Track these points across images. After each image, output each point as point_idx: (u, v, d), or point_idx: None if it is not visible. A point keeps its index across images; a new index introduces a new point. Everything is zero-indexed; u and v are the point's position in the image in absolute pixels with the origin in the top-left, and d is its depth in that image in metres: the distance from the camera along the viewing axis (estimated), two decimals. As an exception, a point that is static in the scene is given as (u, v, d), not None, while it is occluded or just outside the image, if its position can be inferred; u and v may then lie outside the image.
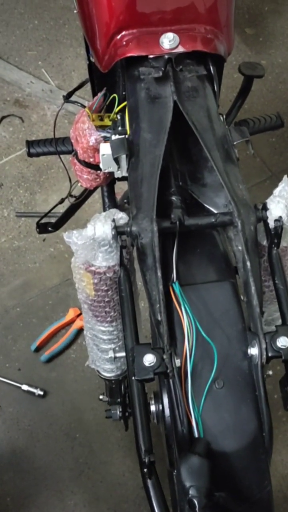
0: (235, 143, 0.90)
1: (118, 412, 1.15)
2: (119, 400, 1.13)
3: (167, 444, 0.82)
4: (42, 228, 1.46)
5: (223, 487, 0.73)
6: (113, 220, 0.81)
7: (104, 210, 1.25)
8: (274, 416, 0.78)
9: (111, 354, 0.87)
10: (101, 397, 1.19)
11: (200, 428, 0.74)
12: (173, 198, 0.86)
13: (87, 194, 1.38)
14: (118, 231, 0.81)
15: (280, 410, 0.89)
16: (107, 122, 1.03)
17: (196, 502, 0.67)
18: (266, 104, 1.96)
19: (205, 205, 0.89)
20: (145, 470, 0.70)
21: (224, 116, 1.03)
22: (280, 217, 0.79)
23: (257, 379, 0.76)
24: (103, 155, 0.95)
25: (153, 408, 0.90)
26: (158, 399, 0.88)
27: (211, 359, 0.77)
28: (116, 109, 1.02)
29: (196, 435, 0.74)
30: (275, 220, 0.80)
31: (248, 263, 0.78)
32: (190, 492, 0.67)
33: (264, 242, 0.84)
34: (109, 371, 1.03)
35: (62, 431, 1.51)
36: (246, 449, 0.75)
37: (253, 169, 1.82)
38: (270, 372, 1.05)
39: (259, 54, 2.09)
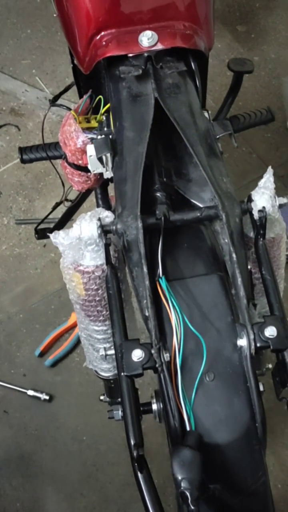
0: (218, 136, 0.90)
1: (119, 412, 1.15)
2: (119, 400, 1.13)
3: (167, 441, 0.82)
4: (41, 233, 1.47)
5: (217, 480, 0.73)
6: (99, 219, 0.82)
7: (98, 212, 1.25)
8: (280, 411, 0.78)
9: (102, 352, 0.88)
10: (101, 397, 1.20)
11: (191, 421, 0.74)
12: (158, 194, 0.87)
13: (82, 197, 1.39)
14: (104, 230, 0.81)
15: (283, 414, 0.89)
16: (94, 123, 1.04)
17: (188, 494, 0.66)
18: (260, 100, 1.96)
19: (191, 200, 0.89)
20: (135, 464, 0.70)
21: (209, 112, 1.03)
22: (264, 207, 0.80)
23: (247, 370, 0.76)
24: (90, 156, 0.96)
25: (154, 406, 0.90)
26: (159, 398, 0.88)
27: (201, 352, 0.77)
28: (102, 110, 1.03)
29: (188, 428, 0.74)
30: (259, 211, 0.80)
31: (234, 255, 0.78)
32: (182, 484, 0.67)
33: (251, 234, 0.84)
34: (106, 370, 1.04)
35: (69, 435, 1.51)
36: (239, 440, 0.74)
37: (249, 165, 1.81)
38: (270, 365, 1.04)
39: (252, 50, 2.09)
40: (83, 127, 1.02)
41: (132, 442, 0.70)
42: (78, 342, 1.63)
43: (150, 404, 0.88)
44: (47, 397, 1.55)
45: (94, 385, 1.55)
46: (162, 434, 0.83)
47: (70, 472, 1.47)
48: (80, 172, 1.08)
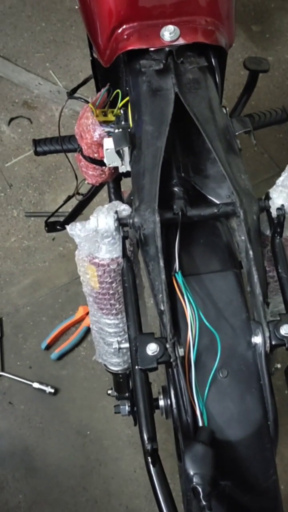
0: (237, 133, 0.90)
1: (126, 407, 1.15)
2: (127, 394, 1.13)
3: (175, 438, 0.82)
4: (51, 227, 1.47)
5: (228, 476, 0.73)
6: (116, 212, 0.82)
7: (111, 207, 1.25)
8: (285, 411, 0.78)
9: (115, 345, 0.88)
10: (109, 391, 1.20)
11: (204, 416, 0.74)
12: (176, 189, 0.87)
13: (94, 191, 1.39)
14: (121, 223, 0.81)
15: None
16: (111, 117, 1.04)
17: (200, 489, 0.66)
18: (273, 100, 1.95)
19: (208, 196, 0.89)
20: (148, 458, 0.70)
21: (227, 109, 1.03)
22: (282, 205, 0.79)
23: (261, 368, 0.75)
24: (107, 149, 0.96)
25: (161, 402, 0.90)
26: (167, 394, 0.88)
27: (215, 348, 0.77)
28: (120, 104, 1.03)
29: (200, 424, 0.74)
30: (277, 209, 0.80)
31: (251, 252, 0.78)
32: (194, 480, 0.67)
33: (268, 232, 0.84)
34: (116, 365, 1.04)
35: (73, 429, 1.51)
36: (251, 438, 0.74)
37: (260, 165, 1.81)
38: (279, 366, 1.04)
39: (266, 50, 2.09)
40: (100, 120, 1.02)
41: (146, 436, 0.70)
42: (84, 336, 1.63)
43: (157, 400, 0.88)
44: (52, 390, 1.55)
45: (99, 380, 1.55)
46: (166, 430, 0.83)
47: (73, 465, 1.47)
48: (95, 165, 1.08)
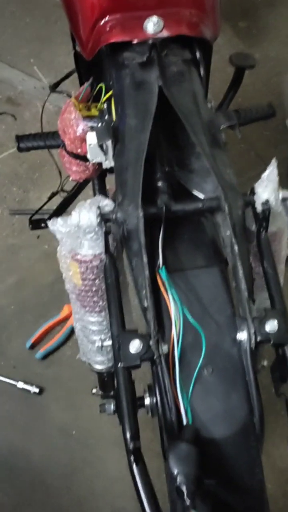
0: (222, 127, 0.89)
1: (111, 406, 1.13)
2: (112, 393, 1.12)
3: (161, 437, 0.81)
4: (35, 224, 1.45)
5: (213, 475, 0.72)
6: (98, 207, 0.80)
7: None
8: (272, 410, 0.77)
9: (98, 343, 0.86)
10: (94, 390, 1.18)
11: (189, 414, 0.73)
12: (160, 184, 0.85)
13: (78, 188, 1.37)
14: (104, 218, 0.80)
15: (278, 404, 0.88)
16: (94, 112, 1.02)
17: (184, 489, 0.65)
18: (259, 97, 1.95)
19: (193, 190, 0.87)
20: (131, 456, 0.68)
21: (213, 103, 1.02)
22: (267, 200, 0.78)
23: (247, 364, 0.74)
24: (90, 144, 0.94)
25: (147, 401, 0.88)
26: (152, 392, 0.87)
27: (199, 345, 0.75)
28: (103, 99, 1.01)
29: (184, 422, 0.72)
30: (262, 203, 0.79)
31: (236, 247, 0.77)
32: (178, 479, 0.66)
33: (253, 227, 0.83)
34: (100, 363, 1.02)
35: (58, 428, 1.49)
36: (237, 436, 0.73)
37: (247, 162, 1.80)
38: (265, 363, 1.03)
39: (252, 47, 2.08)
40: (83, 115, 1.00)
41: (128, 434, 0.69)
42: (69, 335, 1.61)
43: (142, 398, 0.87)
44: (37, 390, 1.52)
45: (84, 379, 1.52)
46: (152, 429, 0.81)
47: (57, 465, 1.45)
48: (78, 161, 1.06)
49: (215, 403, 0.74)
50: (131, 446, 0.68)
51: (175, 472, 0.67)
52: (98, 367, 1.04)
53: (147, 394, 0.88)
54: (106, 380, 1.10)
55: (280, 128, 1.90)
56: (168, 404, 0.73)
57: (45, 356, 1.59)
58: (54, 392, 1.54)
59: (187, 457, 0.68)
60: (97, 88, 1.03)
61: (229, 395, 0.75)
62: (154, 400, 0.85)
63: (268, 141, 1.88)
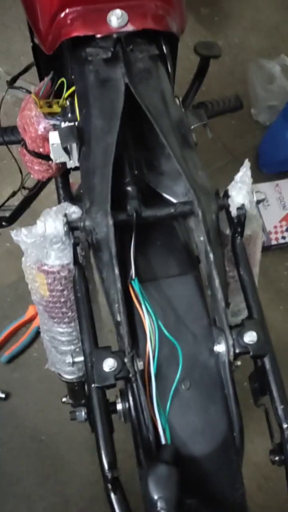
0: (192, 127, 0.85)
1: (83, 413, 1.09)
2: (82, 401, 1.08)
3: (136, 456, 0.77)
4: (-5, 222, 1.39)
5: (194, 494, 0.69)
6: (65, 215, 0.75)
7: (59, 202, 1.18)
8: (245, 404, 0.74)
9: (69, 359, 0.82)
10: (64, 399, 1.14)
11: (167, 433, 0.70)
12: (129, 188, 0.81)
13: (41, 185, 1.31)
14: (71, 227, 0.75)
15: (251, 398, 0.87)
16: (56, 108, 0.96)
17: (165, 515, 0.62)
18: (224, 86, 1.91)
19: (164, 194, 0.83)
20: (108, 485, 0.64)
21: (180, 99, 0.97)
22: (243, 204, 0.75)
23: (225, 377, 0.71)
24: (53, 144, 0.89)
25: (119, 406, 0.85)
26: (124, 397, 0.83)
27: (176, 359, 0.72)
28: (65, 95, 0.95)
29: (163, 441, 0.69)
30: (238, 208, 0.75)
31: (211, 255, 0.74)
32: (159, 504, 0.63)
33: (227, 231, 0.79)
34: (70, 373, 0.98)
35: (27, 434, 1.45)
36: (217, 452, 0.70)
37: (214, 153, 1.77)
38: (239, 363, 1.01)
39: (216, 34, 2.04)
40: (44, 112, 0.94)
41: (105, 461, 0.65)
42: (36, 337, 1.56)
43: (114, 404, 0.83)
44: (3, 395, 1.48)
45: (53, 382, 1.47)
46: (125, 430, 0.79)
47: (28, 473, 1.41)
48: (40, 160, 1.00)
49: (194, 419, 0.71)
50: (109, 476, 0.64)
51: (156, 497, 0.64)
52: (68, 377, 1.00)
53: (119, 400, 0.84)
54: (76, 389, 1.05)
55: (246, 117, 1.87)
56: (145, 422, 0.69)
57: (11, 359, 1.54)
58: (22, 396, 1.49)
59: (167, 480, 0.65)
60: (58, 83, 0.97)
61: (207, 409, 0.72)
62: (127, 405, 0.81)
63: (234, 131, 1.86)
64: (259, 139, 1.83)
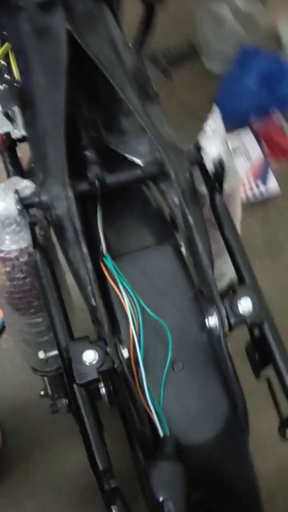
0: (151, 76, 0.74)
1: (64, 404, 1.00)
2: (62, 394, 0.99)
3: (132, 453, 0.69)
4: None
5: (201, 486, 0.62)
6: (16, 192, 0.65)
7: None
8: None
9: (41, 355, 0.72)
10: (42, 393, 1.05)
11: (164, 424, 0.62)
12: (87, 153, 0.71)
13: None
14: (24, 204, 0.65)
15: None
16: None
17: (173, 517, 0.54)
18: (171, 37, 1.78)
19: (127, 156, 0.73)
20: (106, 498, 0.56)
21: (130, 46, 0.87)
22: (220, 154, 0.66)
23: (221, 352, 0.64)
24: (-9, 112, 0.77)
25: (103, 391, 0.76)
26: (107, 380, 0.75)
27: (163, 340, 0.64)
28: (-1, 53, 0.83)
29: (160, 433, 0.61)
30: (214, 161, 0.66)
31: (190, 218, 0.65)
32: (165, 509, 0.55)
33: (203, 189, 0.70)
34: (45, 366, 0.88)
35: (7, 430, 1.35)
36: (220, 436, 0.63)
37: (168, 110, 1.66)
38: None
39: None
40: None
41: (101, 468, 0.57)
42: (3, 328, 1.46)
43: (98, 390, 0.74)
44: (-25, 394, 1.37)
45: (29, 373, 1.38)
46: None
47: (13, 470, 1.32)
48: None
49: (192, 403, 0.64)
50: (106, 487, 0.56)
51: (161, 499, 0.57)
52: (44, 369, 0.90)
53: (102, 384, 0.76)
54: (54, 381, 0.96)
55: (198, 70, 1.76)
56: (139, 415, 0.61)
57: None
58: (-4, 391, 1.39)
59: (172, 479, 0.58)
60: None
61: (205, 390, 0.65)
62: (111, 388, 0.73)
63: (187, 84, 1.75)
64: (214, 90, 1.73)
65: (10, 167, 1.04)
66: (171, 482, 0.57)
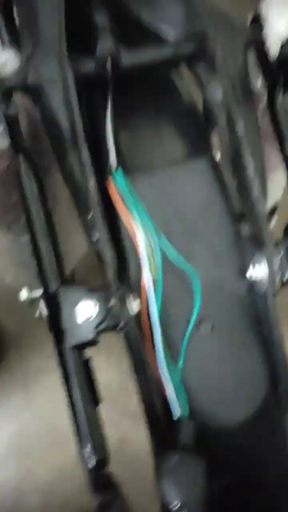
0: None
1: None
2: None
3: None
4: None
5: (226, 474, 0.49)
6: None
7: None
8: None
9: (24, 294, 0.55)
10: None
11: (183, 403, 0.47)
12: (97, 17, 0.52)
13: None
14: (4, 89, 0.46)
15: None
16: None
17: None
18: None
19: (153, 24, 0.54)
20: (96, 490, 0.43)
21: None
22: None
23: (266, 313, 0.49)
24: None
25: None
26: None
27: (189, 290, 0.48)
28: None
29: (178, 414, 0.47)
30: (283, 40, 0.47)
31: (239, 122, 0.48)
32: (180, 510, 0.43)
33: (259, 84, 0.51)
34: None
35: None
36: (255, 419, 0.50)
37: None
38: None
39: None
40: None
41: (96, 461, 0.43)
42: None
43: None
44: None
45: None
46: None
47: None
48: None
49: (221, 376, 0.50)
50: (95, 476, 0.43)
51: (174, 503, 0.43)
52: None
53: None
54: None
55: None
56: (150, 391, 0.46)
57: None
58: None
59: (189, 476, 0.45)
60: None
61: (239, 361, 0.51)
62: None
63: None
64: None
65: (3, 34, 0.82)
66: (188, 481, 0.45)
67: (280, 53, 0.47)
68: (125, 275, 0.48)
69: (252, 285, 0.49)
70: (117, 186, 0.48)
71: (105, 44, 0.49)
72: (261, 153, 0.49)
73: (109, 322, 0.45)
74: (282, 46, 0.47)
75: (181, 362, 0.49)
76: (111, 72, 0.48)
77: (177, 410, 0.48)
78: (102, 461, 0.44)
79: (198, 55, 0.50)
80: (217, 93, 0.49)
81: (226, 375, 0.50)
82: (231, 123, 0.48)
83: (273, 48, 0.48)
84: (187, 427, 0.48)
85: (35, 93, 0.48)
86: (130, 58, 0.50)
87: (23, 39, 0.50)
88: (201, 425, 0.49)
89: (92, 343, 0.46)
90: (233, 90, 0.48)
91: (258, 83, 0.52)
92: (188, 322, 0.49)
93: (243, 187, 0.49)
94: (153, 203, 0.49)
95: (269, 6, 0.49)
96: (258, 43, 0.49)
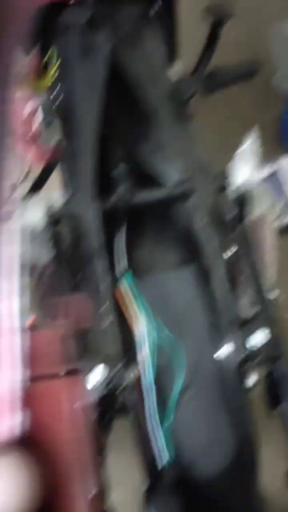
0: (185, 96, 0.74)
1: None
2: None
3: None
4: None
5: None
6: (46, 206, 0.66)
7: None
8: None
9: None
10: None
11: (169, 451, 0.60)
12: (118, 169, 0.72)
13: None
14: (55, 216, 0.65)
15: None
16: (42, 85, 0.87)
17: None
18: (240, 55, 1.77)
19: (155, 175, 0.73)
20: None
21: (180, 65, 0.87)
22: (245, 182, 0.65)
23: (233, 384, 0.61)
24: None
25: None
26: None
27: (171, 364, 0.62)
28: (52, 70, 0.86)
29: (164, 460, 0.60)
30: (241, 186, 0.65)
31: (209, 243, 0.64)
32: None
33: (230, 216, 0.69)
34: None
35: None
36: (230, 469, 0.61)
37: (231, 128, 1.64)
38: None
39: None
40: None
41: None
42: None
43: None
44: None
45: None
46: None
47: None
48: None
49: (201, 432, 0.62)
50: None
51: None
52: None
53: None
54: None
55: (264, 89, 1.72)
56: (144, 442, 0.60)
57: None
58: None
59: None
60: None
61: (215, 421, 0.62)
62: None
63: (253, 102, 1.72)
64: (280, 111, 1.68)
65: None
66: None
67: (239, 196, 0.66)
68: (129, 349, 0.64)
69: (222, 363, 0.62)
70: (125, 285, 0.65)
71: (122, 189, 0.68)
72: (229, 263, 0.65)
73: (116, 381, 0.58)
74: (238, 189, 0.66)
75: (169, 420, 0.61)
76: (122, 207, 0.67)
77: (164, 456, 0.60)
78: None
79: (186, 196, 0.67)
80: (198, 222, 0.66)
81: (203, 432, 0.61)
82: (207, 242, 0.65)
83: (236, 192, 0.67)
84: (169, 471, 0.60)
85: (74, 220, 0.66)
86: (138, 197, 0.68)
87: (67, 183, 0.71)
88: (183, 471, 0.61)
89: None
90: (209, 220, 0.64)
91: (230, 213, 0.69)
92: (174, 389, 0.61)
93: (213, 288, 0.64)
94: (152, 298, 0.64)
95: (236, 164, 0.68)
96: (227, 188, 0.67)
